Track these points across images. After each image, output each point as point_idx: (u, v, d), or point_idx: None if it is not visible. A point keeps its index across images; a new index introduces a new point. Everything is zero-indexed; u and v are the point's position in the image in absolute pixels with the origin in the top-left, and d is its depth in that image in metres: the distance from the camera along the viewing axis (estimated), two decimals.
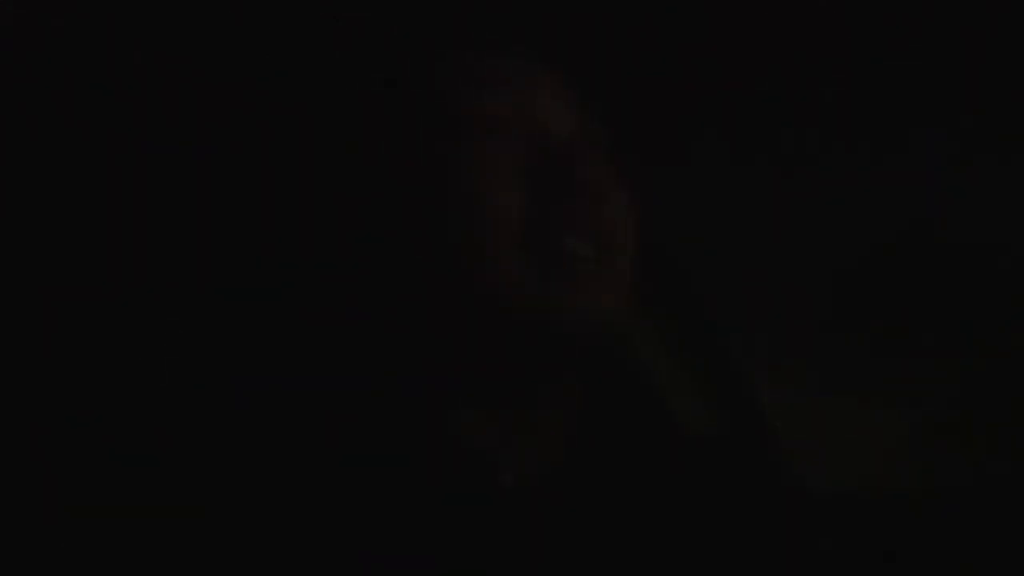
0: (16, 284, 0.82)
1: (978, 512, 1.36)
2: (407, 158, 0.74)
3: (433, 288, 0.72)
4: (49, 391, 0.82)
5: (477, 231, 0.71)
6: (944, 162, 1.34)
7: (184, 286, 0.85)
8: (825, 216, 1.38)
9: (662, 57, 1.04)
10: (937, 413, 1.57)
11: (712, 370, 1.40)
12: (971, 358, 1.52)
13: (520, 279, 0.71)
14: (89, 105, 0.83)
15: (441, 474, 0.70)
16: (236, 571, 0.66)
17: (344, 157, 0.76)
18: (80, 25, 0.81)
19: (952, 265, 1.47)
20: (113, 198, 0.84)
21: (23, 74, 0.81)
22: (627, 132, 0.80)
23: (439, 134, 0.74)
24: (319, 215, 0.76)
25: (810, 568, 0.84)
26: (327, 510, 0.68)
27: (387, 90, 0.76)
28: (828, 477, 1.48)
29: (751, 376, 1.45)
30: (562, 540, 0.72)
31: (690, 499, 0.80)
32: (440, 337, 0.72)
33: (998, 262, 1.43)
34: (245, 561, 0.66)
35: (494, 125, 0.74)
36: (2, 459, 0.79)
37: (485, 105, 0.74)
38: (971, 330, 1.50)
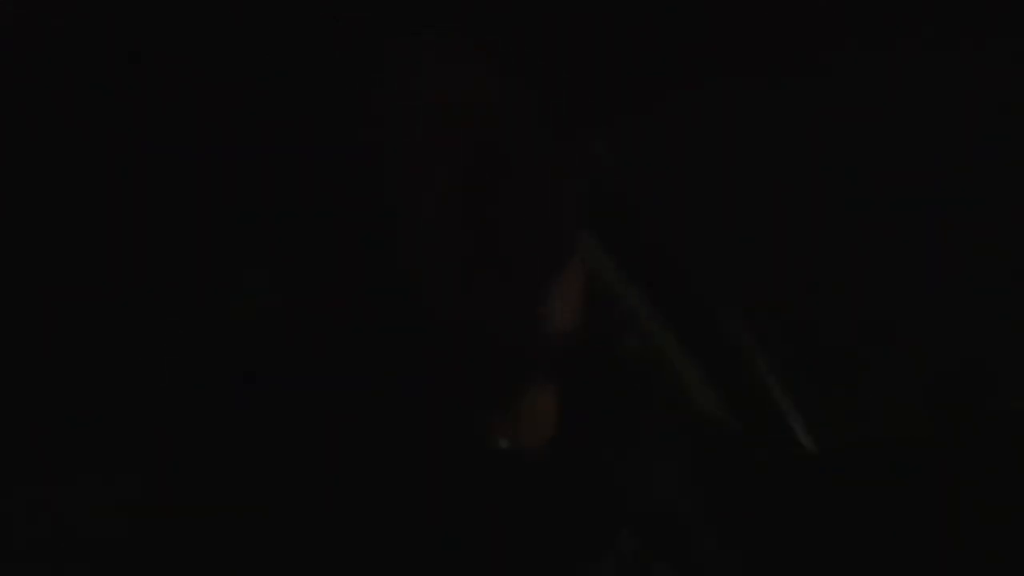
0: (16, 284, 0.82)
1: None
2: (328, 151, 0.73)
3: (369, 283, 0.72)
4: (47, 390, 0.82)
5: (409, 223, 0.70)
6: None
7: (179, 285, 0.85)
8: None
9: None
10: None
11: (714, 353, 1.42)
12: None
13: (455, 276, 0.70)
14: (89, 105, 0.82)
15: (440, 445, 0.71)
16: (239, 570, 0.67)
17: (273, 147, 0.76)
18: (80, 25, 0.80)
19: None
20: (113, 198, 0.84)
21: (23, 74, 0.80)
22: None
23: (361, 127, 0.73)
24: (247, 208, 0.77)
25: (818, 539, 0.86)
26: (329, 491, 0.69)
27: (305, 82, 0.75)
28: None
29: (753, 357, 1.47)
30: (556, 500, 0.73)
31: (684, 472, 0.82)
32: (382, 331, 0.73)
33: None
34: (247, 560, 0.67)
35: (419, 114, 0.72)
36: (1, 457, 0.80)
37: (407, 93, 0.73)
38: None
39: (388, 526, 0.68)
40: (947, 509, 1.28)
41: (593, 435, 0.79)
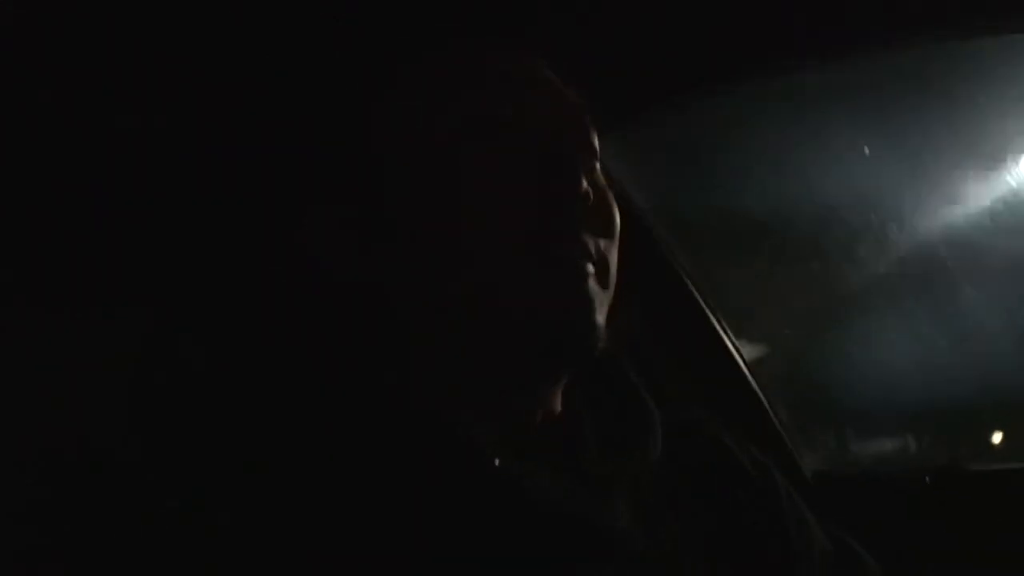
0: (16, 284, 0.82)
1: None
2: (408, 160, 0.74)
3: (436, 288, 0.72)
4: (47, 389, 0.82)
5: (480, 234, 0.71)
6: None
7: (184, 283, 0.85)
8: None
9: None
10: None
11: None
12: None
13: (523, 284, 0.71)
14: (89, 105, 0.83)
15: (436, 458, 0.70)
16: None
17: (345, 156, 0.76)
18: (80, 25, 0.81)
19: None
20: (112, 198, 0.84)
21: (23, 74, 0.80)
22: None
23: (438, 136, 0.73)
24: (317, 211, 0.77)
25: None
26: (327, 494, 0.68)
27: (384, 92, 0.76)
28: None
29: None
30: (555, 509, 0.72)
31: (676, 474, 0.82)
32: (438, 332, 0.73)
33: None
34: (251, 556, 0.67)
35: (495, 126, 0.73)
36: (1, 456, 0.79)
37: (486, 107, 0.74)
38: None
39: (375, 528, 0.68)
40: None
41: (592, 438, 0.79)
